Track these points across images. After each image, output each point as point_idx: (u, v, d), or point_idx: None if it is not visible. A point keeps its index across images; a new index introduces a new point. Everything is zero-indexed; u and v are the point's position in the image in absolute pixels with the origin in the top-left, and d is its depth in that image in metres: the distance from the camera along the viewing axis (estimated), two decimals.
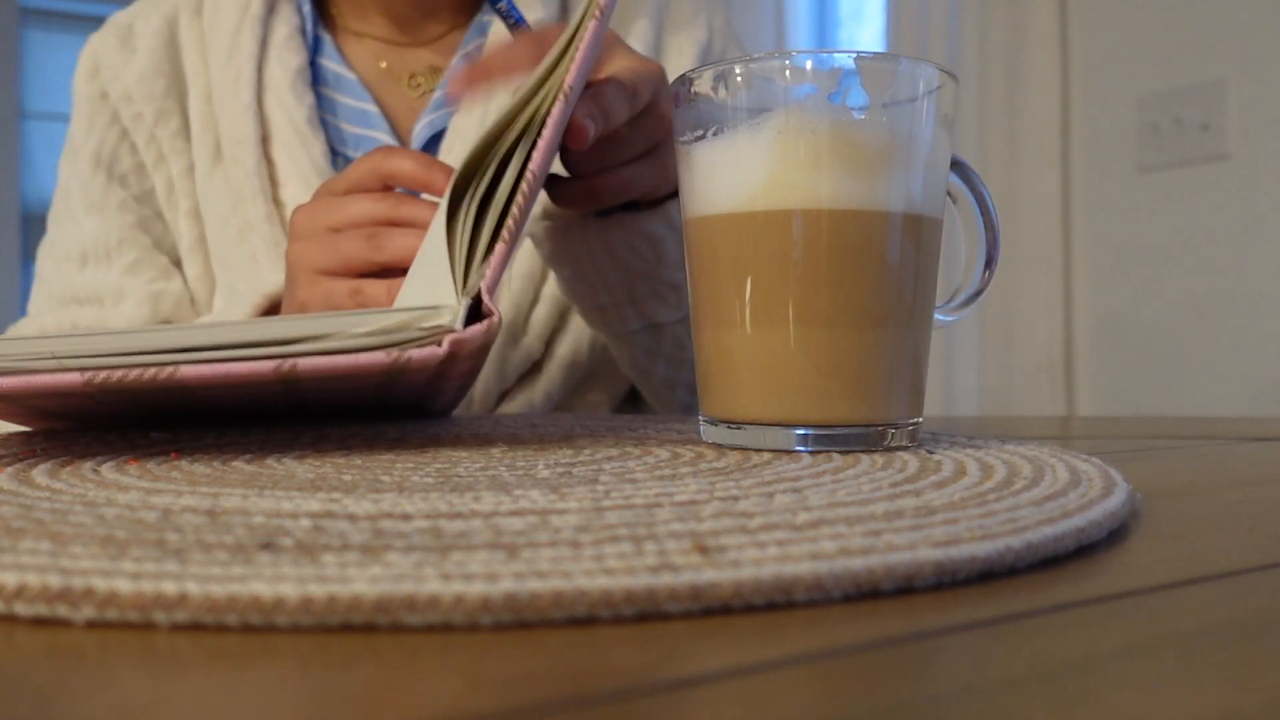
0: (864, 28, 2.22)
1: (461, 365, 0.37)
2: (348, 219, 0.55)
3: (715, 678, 0.16)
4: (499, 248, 0.38)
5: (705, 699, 0.15)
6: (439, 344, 0.34)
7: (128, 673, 0.16)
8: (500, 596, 0.17)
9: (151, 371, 0.32)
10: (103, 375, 0.32)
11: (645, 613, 0.18)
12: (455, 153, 0.73)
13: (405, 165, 0.55)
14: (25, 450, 0.35)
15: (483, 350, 0.40)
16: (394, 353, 0.34)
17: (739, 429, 0.38)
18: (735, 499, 0.25)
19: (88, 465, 0.32)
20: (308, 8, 0.80)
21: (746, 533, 0.21)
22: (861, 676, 0.16)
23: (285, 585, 0.17)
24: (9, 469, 0.31)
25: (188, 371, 0.33)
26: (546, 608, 0.17)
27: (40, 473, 0.30)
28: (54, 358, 0.33)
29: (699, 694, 0.15)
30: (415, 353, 0.34)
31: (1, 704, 0.15)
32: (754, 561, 0.19)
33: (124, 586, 0.17)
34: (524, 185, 0.39)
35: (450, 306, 0.36)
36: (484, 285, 0.37)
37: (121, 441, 0.39)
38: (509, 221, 0.39)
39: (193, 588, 0.17)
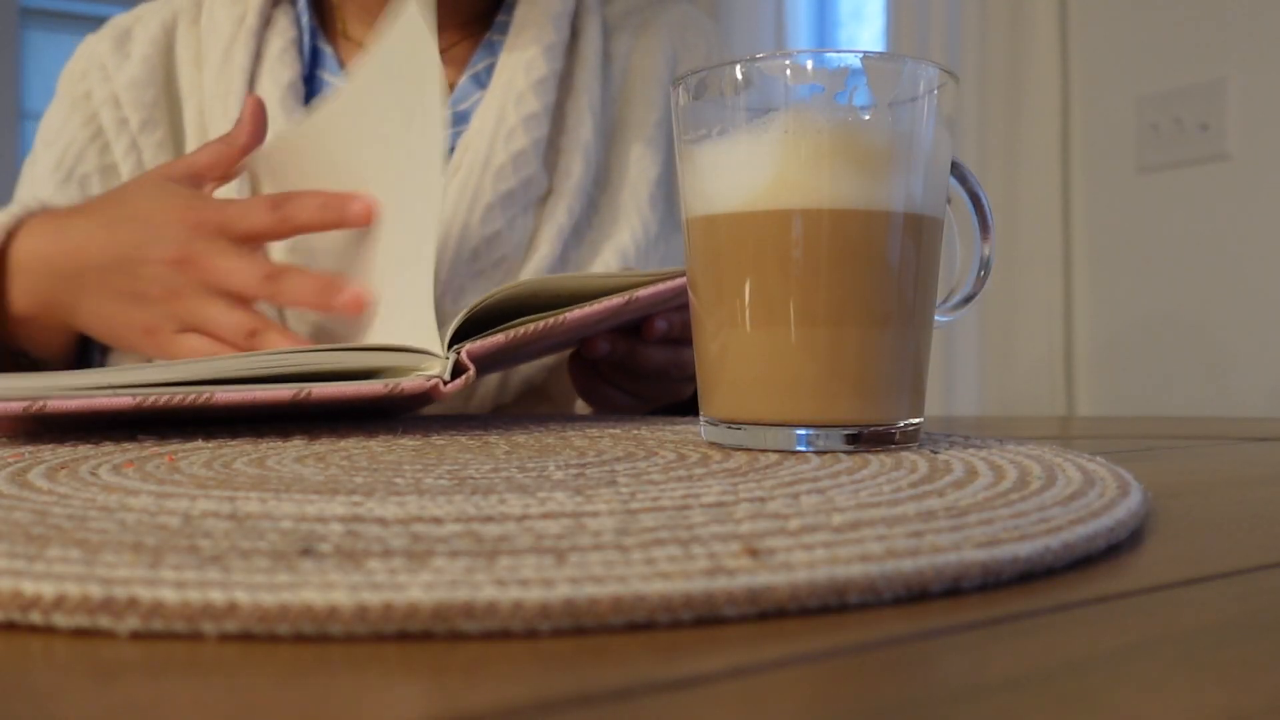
0: (864, 28, 2.23)
1: (439, 397, 0.44)
2: (219, 318, 0.57)
3: (715, 678, 0.16)
4: (499, 337, 0.46)
5: (705, 699, 0.15)
6: (427, 380, 0.42)
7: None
8: (559, 602, 0.17)
9: (191, 397, 0.39)
10: (151, 399, 0.38)
11: (703, 617, 0.18)
12: (464, 167, 0.73)
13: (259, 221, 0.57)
14: (14, 454, 0.34)
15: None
16: (391, 384, 0.42)
17: (740, 429, 0.38)
18: (763, 500, 0.25)
19: (84, 468, 0.31)
20: (306, 19, 0.79)
21: (788, 534, 0.21)
22: (862, 676, 0.16)
23: (337, 593, 0.17)
24: (3, 472, 0.30)
25: (220, 397, 0.39)
26: (606, 613, 0.17)
27: (37, 475, 0.29)
28: (110, 387, 0.39)
29: (699, 694, 0.15)
30: (407, 385, 0.42)
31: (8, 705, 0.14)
32: (805, 564, 0.19)
33: (169, 596, 0.17)
34: (549, 320, 0.47)
35: (442, 360, 0.44)
36: (467, 350, 0.44)
37: (109, 444, 0.38)
38: (519, 330, 0.46)
39: (242, 596, 0.17)
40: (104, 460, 0.33)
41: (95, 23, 0.82)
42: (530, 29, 0.77)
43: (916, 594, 0.20)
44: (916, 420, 0.39)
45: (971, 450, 0.36)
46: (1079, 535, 0.23)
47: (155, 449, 0.36)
